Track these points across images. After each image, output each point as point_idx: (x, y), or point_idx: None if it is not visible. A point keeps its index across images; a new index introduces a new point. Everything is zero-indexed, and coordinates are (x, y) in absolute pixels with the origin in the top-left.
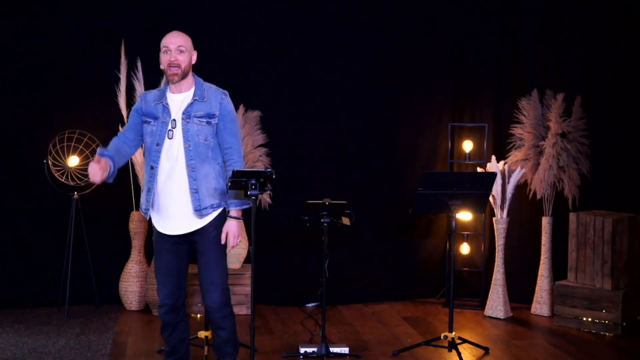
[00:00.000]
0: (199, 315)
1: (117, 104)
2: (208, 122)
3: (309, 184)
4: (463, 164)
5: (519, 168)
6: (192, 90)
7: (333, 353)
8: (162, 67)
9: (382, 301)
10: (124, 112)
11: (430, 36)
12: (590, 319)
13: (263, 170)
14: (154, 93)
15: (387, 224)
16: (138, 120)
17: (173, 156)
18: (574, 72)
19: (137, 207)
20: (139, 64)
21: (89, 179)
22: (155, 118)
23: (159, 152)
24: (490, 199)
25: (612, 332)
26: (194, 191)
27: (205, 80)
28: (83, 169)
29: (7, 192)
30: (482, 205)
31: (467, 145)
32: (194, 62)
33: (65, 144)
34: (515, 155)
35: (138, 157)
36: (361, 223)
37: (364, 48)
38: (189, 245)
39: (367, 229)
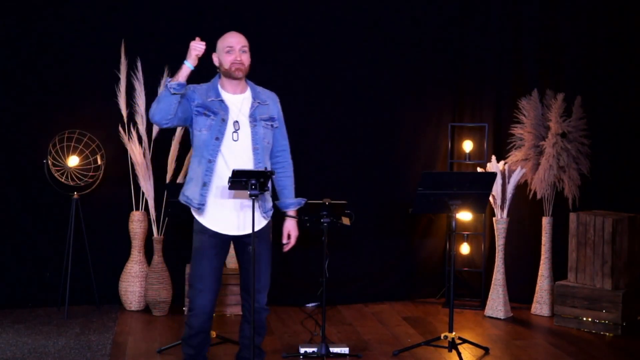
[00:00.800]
0: None
1: (117, 104)
2: (272, 126)
3: (309, 184)
4: (463, 164)
5: (519, 168)
6: (248, 93)
7: (333, 353)
8: (225, 67)
9: (382, 301)
10: (124, 112)
11: (430, 36)
12: (590, 319)
13: (263, 170)
14: (205, 87)
15: (387, 224)
16: (186, 103)
17: (240, 159)
18: (574, 72)
19: (137, 207)
20: (139, 64)
21: (191, 55)
22: (215, 113)
23: (218, 146)
24: (490, 199)
25: (612, 332)
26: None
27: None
28: (83, 168)
29: (7, 192)
30: (482, 205)
31: (467, 145)
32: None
33: (65, 144)
34: (515, 155)
35: (138, 157)
36: (361, 223)
37: (364, 48)
38: (229, 248)
39: (367, 229)
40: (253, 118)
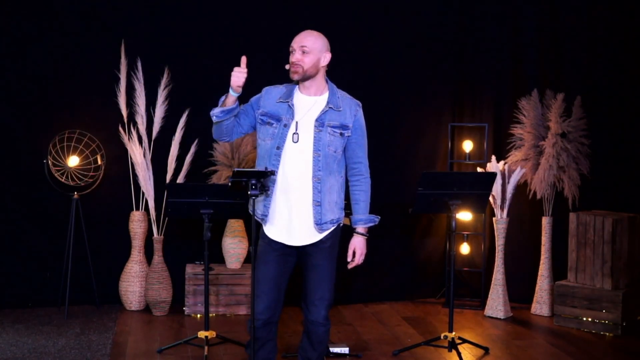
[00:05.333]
0: (199, 315)
1: (117, 104)
2: (341, 134)
3: None
4: (463, 164)
5: (519, 168)
6: (325, 96)
7: (333, 353)
8: (286, 67)
9: (382, 301)
10: (124, 112)
11: (430, 36)
12: (590, 319)
13: (263, 170)
14: (279, 89)
15: (387, 224)
16: (250, 112)
17: (298, 164)
18: (574, 72)
19: (137, 207)
20: (139, 64)
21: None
22: (278, 120)
23: (279, 156)
24: (490, 199)
25: (612, 332)
26: (317, 204)
27: (207, 81)
28: (83, 169)
29: (7, 192)
30: (482, 205)
31: (467, 145)
32: (323, 64)
33: (65, 144)
34: (515, 155)
35: (138, 157)
36: None
37: (364, 48)
38: (296, 258)
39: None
40: (320, 123)
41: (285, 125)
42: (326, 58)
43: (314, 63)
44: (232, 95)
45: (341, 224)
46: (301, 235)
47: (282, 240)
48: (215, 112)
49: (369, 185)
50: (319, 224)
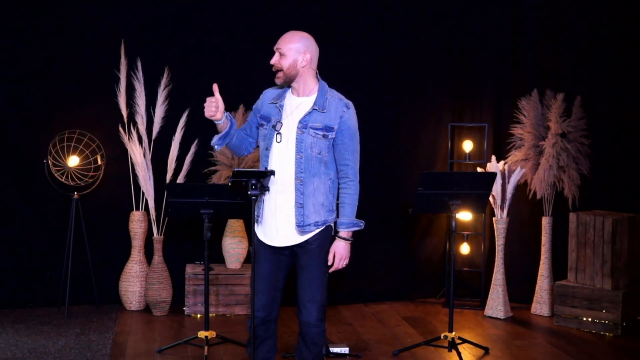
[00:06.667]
0: (199, 315)
1: (117, 104)
2: (324, 136)
3: None
4: (463, 164)
5: (519, 168)
6: (313, 97)
7: (333, 353)
8: None
9: (382, 301)
10: (124, 112)
11: (430, 36)
12: (590, 319)
13: (263, 170)
14: (274, 91)
15: (387, 224)
16: (254, 120)
17: (282, 165)
18: (574, 72)
19: (137, 207)
20: (139, 64)
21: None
22: (268, 121)
23: (267, 157)
24: (490, 199)
25: (612, 332)
26: (299, 205)
27: (207, 81)
28: (83, 169)
29: (7, 192)
30: (482, 205)
31: (467, 145)
32: (302, 64)
33: (65, 144)
34: (515, 155)
35: (138, 157)
36: None
37: (364, 48)
38: (290, 258)
39: (367, 229)
40: (303, 124)
41: (273, 127)
42: (305, 58)
43: (291, 64)
44: (218, 123)
45: (332, 226)
46: (284, 236)
47: (266, 241)
48: (214, 142)
49: (356, 188)
50: (301, 226)
